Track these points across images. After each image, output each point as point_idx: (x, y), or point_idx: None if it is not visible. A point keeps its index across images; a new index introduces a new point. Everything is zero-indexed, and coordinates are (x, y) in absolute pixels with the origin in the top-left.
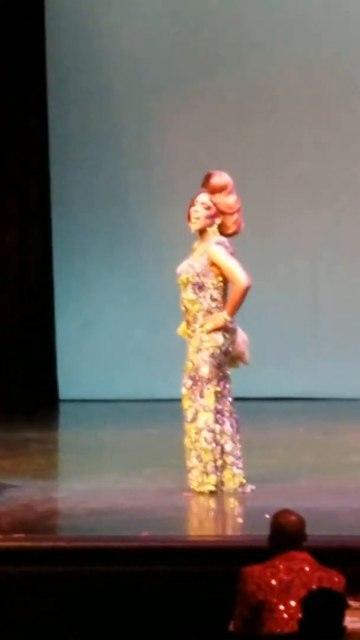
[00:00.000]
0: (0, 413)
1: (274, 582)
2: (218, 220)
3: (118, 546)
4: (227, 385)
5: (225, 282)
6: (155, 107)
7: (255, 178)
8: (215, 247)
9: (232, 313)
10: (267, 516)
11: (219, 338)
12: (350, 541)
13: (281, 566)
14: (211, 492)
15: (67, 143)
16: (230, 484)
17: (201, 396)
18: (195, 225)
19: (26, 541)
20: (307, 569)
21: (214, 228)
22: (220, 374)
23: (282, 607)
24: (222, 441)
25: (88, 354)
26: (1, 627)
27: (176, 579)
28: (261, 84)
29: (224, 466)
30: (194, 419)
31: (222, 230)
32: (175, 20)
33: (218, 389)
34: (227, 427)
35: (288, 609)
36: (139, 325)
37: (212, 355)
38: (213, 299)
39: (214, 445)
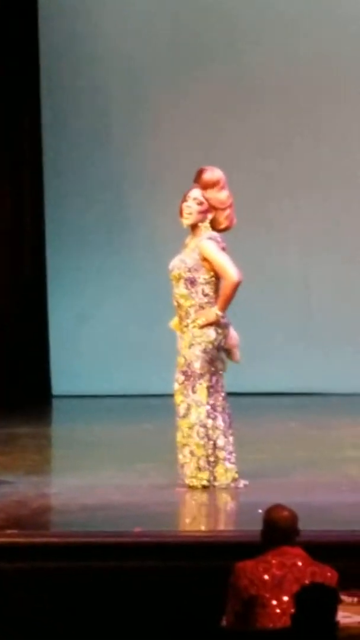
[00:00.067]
0: None
1: (266, 577)
2: (210, 216)
3: (111, 542)
4: (220, 381)
5: (217, 277)
6: (148, 103)
7: (247, 173)
8: (206, 242)
9: (224, 308)
10: (260, 511)
11: (211, 333)
12: (343, 536)
13: (274, 561)
14: (204, 487)
15: (61, 138)
16: (223, 479)
17: (193, 391)
18: (187, 221)
19: (19, 537)
20: (299, 564)
21: (206, 223)
22: (213, 369)
23: (274, 602)
24: (215, 436)
25: (81, 349)
26: None
27: (169, 574)
28: (253, 79)
29: (216, 461)
30: (186, 414)
31: (214, 225)
32: (166, 16)
33: (210, 384)
34: (220, 422)
35: (280, 604)
36: (133, 321)
37: (205, 351)
38: (205, 294)
39: (206, 440)
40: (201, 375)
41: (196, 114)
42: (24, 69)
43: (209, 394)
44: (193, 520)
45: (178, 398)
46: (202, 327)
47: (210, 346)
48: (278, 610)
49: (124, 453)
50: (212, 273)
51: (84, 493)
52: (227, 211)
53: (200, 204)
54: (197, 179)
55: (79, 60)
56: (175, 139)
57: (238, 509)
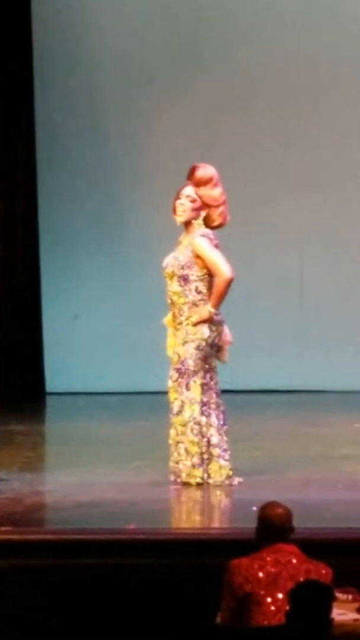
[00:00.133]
0: None
1: (261, 574)
2: (203, 213)
3: (105, 539)
4: (214, 378)
5: (210, 274)
6: (142, 102)
7: (241, 170)
8: (199, 239)
9: (217, 305)
10: (254, 508)
11: (205, 330)
12: (338, 533)
13: (268, 558)
14: (198, 485)
15: (54, 137)
16: (217, 477)
17: (187, 389)
18: (180, 218)
19: (13, 534)
20: (294, 561)
21: (200, 221)
22: (207, 366)
23: (269, 600)
24: (209, 433)
25: (75, 347)
26: None
27: (163, 571)
28: (249, 77)
29: (210, 458)
30: (180, 412)
31: (207, 222)
32: (160, 13)
33: (204, 381)
34: (214, 419)
35: (275, 601)
36: (126, 318)
37: (198, 348)
38: (198, 291)
39: (200, 437)
40: (195, 373)
41: (191, 112)
42: (18, 68)
43: (203, 391)
44: (187, 517)
45: (172, 395)
46: (195, 324)
47: (203, 343)
48: (273, 608)
49: (117, 450)
50: (205, 270)
51: (78, 490)
52: (221, 208)
53: (194, 201)
54: (190, 177)
55: (72, 59)
56: (170, 137)
57: (232, 506)
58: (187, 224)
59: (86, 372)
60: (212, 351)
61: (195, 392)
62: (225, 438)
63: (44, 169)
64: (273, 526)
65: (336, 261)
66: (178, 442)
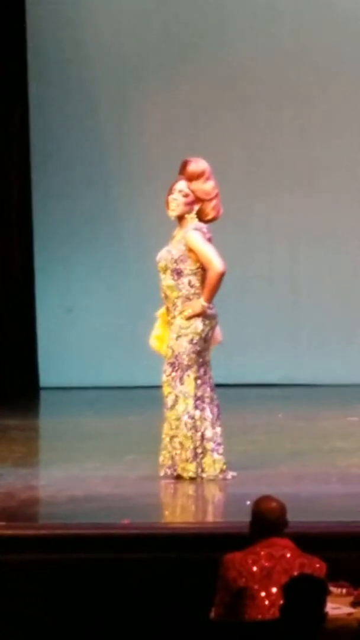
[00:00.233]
0: None
1: (255, 568)
2: (196, 207)
3: (99, 534)
4: (208, 372)
5: (204, 268)
6: (134, 96)
7: (234, 164)
8: (192, 233)
9: (209, 299)
10: (248, 503)
11: (198, 324)
12: (332, 527)
13: (262, 553)
14: (191, 479)
15: (48, 133)
16: (211, 471)
17: (181, 382)
18: (173, 213)
19: (7, 529)
20: (288, 555)
21: (193, 215)
22: (200, 360)
23: (263, 594)
24: (202, 427)
25: (69, 342)
26: None
27: (157, 566)
28: (239, 71)
29: (204, 452)
30: (174, 406)
31: (201, 216)
32: (154, 9)
33: (198, 375)
34: (207, 413)
35: (269, 596)
36: (120, 313)
37: (192, 342)
38: (191, 285)
39: (194, 431)
40: (189, 367)
41: (186, 109)
42: (12, 65)
43: (197, 386)
44: (181, 511)
45: (166, 390)
46: (189, 318)
47: (197, 337)
48: (267, 602)
49: (111, 445)
50: (198, 264)
51: (71, 485)
52: (214, 202)
53: (186, 195)
54: (182, 171)
55: (66, 56)
56: (163, 132)
57: (226, 500)
58: (181, 219)
59: (80, 366)
60: (206, 345)
61: (189, 386)
62: (219, 432)
63: (38, 165)
64: (267, 520)
65: (329, 256)
66: (172, 437)
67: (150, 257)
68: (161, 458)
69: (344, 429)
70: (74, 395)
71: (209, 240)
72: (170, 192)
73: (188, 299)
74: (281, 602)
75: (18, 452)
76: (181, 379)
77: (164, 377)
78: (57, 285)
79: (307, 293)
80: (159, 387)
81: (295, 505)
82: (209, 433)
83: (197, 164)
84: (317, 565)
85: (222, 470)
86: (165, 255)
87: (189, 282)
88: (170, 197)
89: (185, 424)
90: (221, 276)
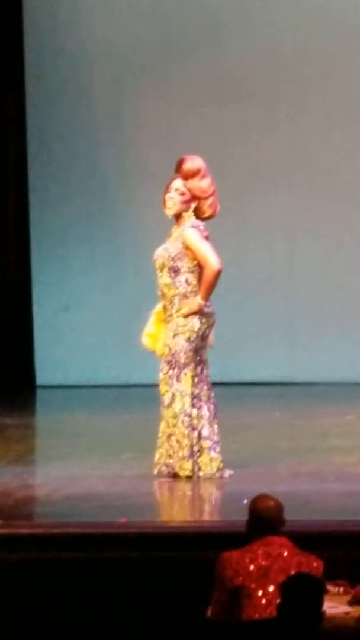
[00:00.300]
0: None
1: (252, 567)
2: (193, 205)
3: (96, 532)
4: (205, 370)
5: (201, 266)
6: (131, 94)
7: (231, 162)
8: (189, 231)
9: (206, 297)
10: (245, 501)
11: (195, 322)
12: (329, 525)
13: (259, 551)
14: (188, 477)
15: (45, 130)
16: (208, 469)
17: (178, 380)
18: (170, 211)
19: (3, 528)
20: (285, 553)
21: (190, 212)
22: (197, 358)
23: (260, 593)
24: (199, 426)
25: (65, 340)
26: None
27: (154, 564)
28: (235, 67)
29: (201, 451)
30: (170, 404)
31: (198, 214)
32: (149, 6)
33: (195, 373)
34: (204, 411)
35: (266, 594)
36: (117, 311)
37: (189, 340)
38: (188, 283)
39: (190, 429)
40: (186, 365)
41: (181, 105)
42: (8, 59)
43: (194, 384)
44: (178, 510)
45: (162, 388)
46: (186, 316)
47: (194, 335)
48: (264, 601)
49: (108, 443)
50: (195, 262)
51: (68, 483)
52: (210, 199)
53: (183, 194)
54: (178, 169)
55: (63, 52)
56: (160, 130)
57: (223, 498)
58: (178, 217)
59: (77, 364)
60: (203, 343)
61: (186, 385)
62: (216, 430)
63: (35, 161)
64: (264, 519)
65: (326, 253)
66: (169, 435)
67: (147, 256)
68: (157, 456)
69: (341, 427)
70: (71, 394)
71: (206, 238)
72: (166, 190)
73: (185, 296)
74: (278, 601)
75: (14, 450)
76: (178, 377)
77: (161, 375)
78: (54, 283)
79: (305, 291)
80: (156, 385)
81: (292, 504)
82: (205, 431)
83: (193, 162)
84: (315, 564)
85: (219, 469)
86: (162, 253)
87: (186, 280)
88: (167, 196)
89: (182, 422)
90: (218, 274)
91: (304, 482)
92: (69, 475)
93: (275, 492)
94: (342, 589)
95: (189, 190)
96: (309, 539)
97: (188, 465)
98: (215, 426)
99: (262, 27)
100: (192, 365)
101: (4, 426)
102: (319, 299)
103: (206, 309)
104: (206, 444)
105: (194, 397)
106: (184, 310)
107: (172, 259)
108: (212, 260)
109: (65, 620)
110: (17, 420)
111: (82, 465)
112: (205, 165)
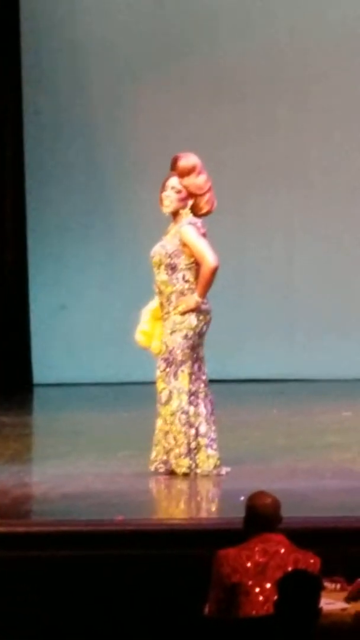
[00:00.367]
0: None
1: (249, 564)
2: (190, 202)
3: (93, 530)
4: (202, 367)
5: (198, 263)
6: (129, 92)
7: (230, 160)
8: (186, 228)
9: (203, 294)
10: (242, 498)
11: (193, 320)
12: (326, 522)
13: (256, 548)
14: (185, 475)
15: (42, 127)
16: (205, 466)
17: (175, 378)
18: (167, 209)
19: (0, 526)
20: (282, 550)
21: (187, 210)
22: (195, 355)
23: (257, 590)
24: (197, 423)
25: (62, 338)
26: None
27: (151, 562)
28: (234, 67)
29: (198, 448)
30: (168, 401)
31: (195, 211)
32: (149, 5)
33: (192, 370)
34: (202, 408)
35: (263, 591)
36: (114, 309)
37: (186, 337)
38: (185, 280)
39: (187, 427)
40: (183, 362)
41: (179, 104)
42: (5, 54)
43: (191, 381)
44: (175, 507)
45: (160, 385)
46: (183, 313)
47: (191, 332)
48: (261, 598)
49: (105, 441)
50: (192, 259)
51: (65, 482)
52: (207, 196)
53: (179, 192)
54: (173, 167)
55: (60, 47)
56: (158, 129)
57: (220, 496)
58: (175, 214)
59: (73, 363)
60: (200, 340)
61: (183, 382)
62: (213, 427)
63: (32, 159)
64: (261, 516)
65: (325, 251)
66: (166, 432)
67: (144, 254)
68: (154, 454)
69: (338, 424)
70: (68, 392)
71: (204, 235)
72: (162, 189)
73: (182, 294)
74: (275, 597)
75: (11, 448)
76: (175, 374)
77: (158, 373)
78: (51, 282)
79: (303, 289)
80: (153, 383)
81: (289, 501)
82: (203, 429)
83: (188, 160)
84: (311, 561)
85: (216, 466)
86: (159, 250)
87: (183, 277)
88: (164, 194)
89: (179, 420)
90: (214, 271)
91: (301, 479)
92: (66, 473)
93: (272, 489)
94: (339, 586)
95: (185, 187)
96: (306, 536)
97: (185, 462)
98: (212, 423)
99: (261, 27)
100: (189, 363)
101: (1, 424)
102: (317, 297)
103: (203, 306)
104: (203, 441)
105: (191, 394)
106: (181, 308)
107: (169, 256)
108: (209, 257)
109: (63, 618)
110: (14, 419)
111: (79, 463)
112: (200, 162)
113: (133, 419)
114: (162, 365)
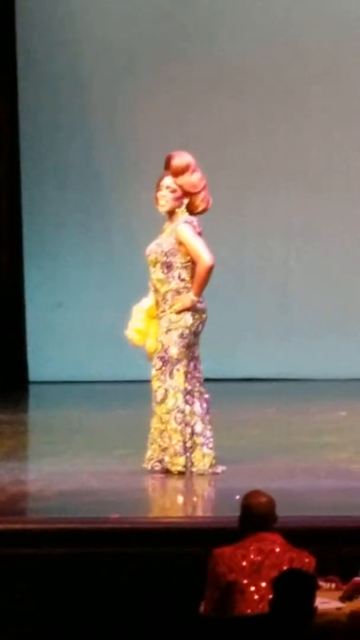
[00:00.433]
0: None
1: (244, 563)
2: (186, 201)
3: (89, 528)
4: (198, 366)
5: (194, 261)
6: (126, 90)
7: (229, 158)
8: (182, 226)
9: (199, 293)
10: (238, 497)
11: (188, 318)
12: (321, 522)
13: (252, 547)
14: (180, 473)
15: (38, 124)
16: (201, 465)
17: (171, 377)
18: (163, 209)
19: None
20: (277, 549)
21: (183, 208)
22: (190, 354)
23: (252, 588)
24: (192, 422)
25: (58, 335)
26: None
27: (147, 560)
28: (233, 65)
29: (193, 447)
30: (163, 400)
31: (191, 209)
32: (148, 4)
33: (188, 369)
34: (197, 407)
35: (259, 590)
36: (110, 307)
37: (182, 336)
38: (181, 279)
39: (183, 426)
40: (178, 361)
41: (177, 102)
42: (1, 57)
43: (186, 380)
44: (171, 506)
45: (155, 384)
46: (178, 312)
47: (187, 331)
48: (256, 597)
49: (101, 439)
50: (188, 257)
51: (61, 479)
52: (202, 193)
53: (174, 191)
54: (167, 166)
55: (57, 45)
56: (155, 127)
57: (216, 494)
58: (171, 213)
59: (69, 360)
60: (196, 339)
61: (178, 381)
62: (209, 426)
63: (28, 157)
64: (256, 515)
65: (323, 250)
66: (162, 431)
67: (140, 253)
68: (150, 452)
69: (335, 423)
70: (63, 390)
71: (199, 234)
72: (157, 188)
73: (178, 292)
74: (270, 596)
75: (7, 446)
76: (171, 373)
77: (154, 371)
78: (46, 279)
79: (301, 288)
80: (148, 381)
81: (285, 500)
82: (198, 427)
83: (181, 158)
84: (307, 560)
85: (211, 465)
86: (155, 248)
87: (179, 276)
88: (159, 194)
89: (175, 419)
90: (210, 270)
91: (297, 478)
92: (61, 471)
93: (268, 488)
94: (333, 585)
95: (180, 186)
96: (301, 535)
97: (181, 461)
98: (208, 422)
99: (261, 26)
100: (184, 362)
101: None
102: (315, 297)
103: (199, 305)
104: (199, 440)
105: (187, 393)
106: (177, 306)
107: (165, 254)
108: (205, 256)
109: (59, 616)
110: (9, 416)
111: (75, 461)
112: (194, 160)
113: (129, 417)
114: (158, 363)
